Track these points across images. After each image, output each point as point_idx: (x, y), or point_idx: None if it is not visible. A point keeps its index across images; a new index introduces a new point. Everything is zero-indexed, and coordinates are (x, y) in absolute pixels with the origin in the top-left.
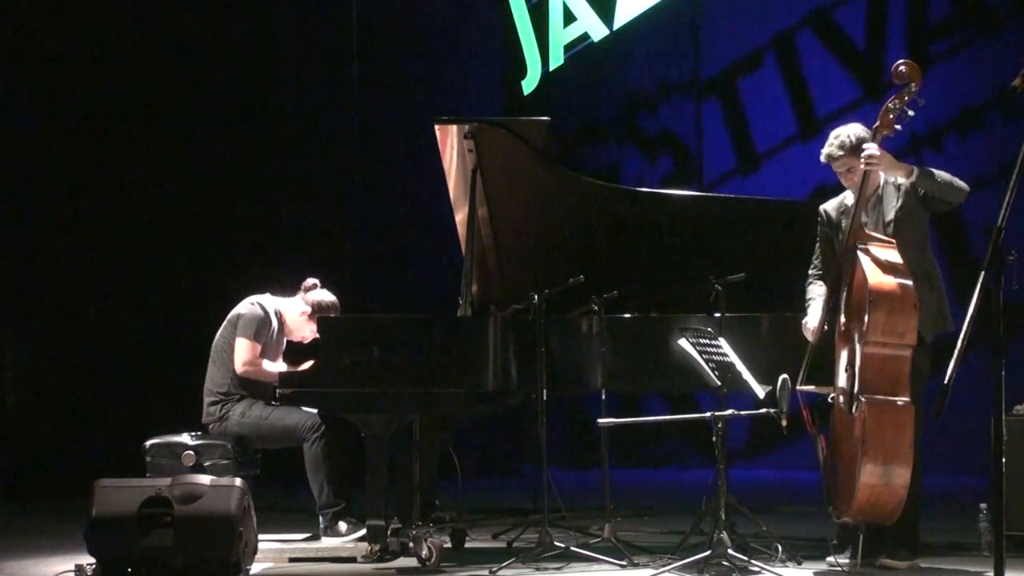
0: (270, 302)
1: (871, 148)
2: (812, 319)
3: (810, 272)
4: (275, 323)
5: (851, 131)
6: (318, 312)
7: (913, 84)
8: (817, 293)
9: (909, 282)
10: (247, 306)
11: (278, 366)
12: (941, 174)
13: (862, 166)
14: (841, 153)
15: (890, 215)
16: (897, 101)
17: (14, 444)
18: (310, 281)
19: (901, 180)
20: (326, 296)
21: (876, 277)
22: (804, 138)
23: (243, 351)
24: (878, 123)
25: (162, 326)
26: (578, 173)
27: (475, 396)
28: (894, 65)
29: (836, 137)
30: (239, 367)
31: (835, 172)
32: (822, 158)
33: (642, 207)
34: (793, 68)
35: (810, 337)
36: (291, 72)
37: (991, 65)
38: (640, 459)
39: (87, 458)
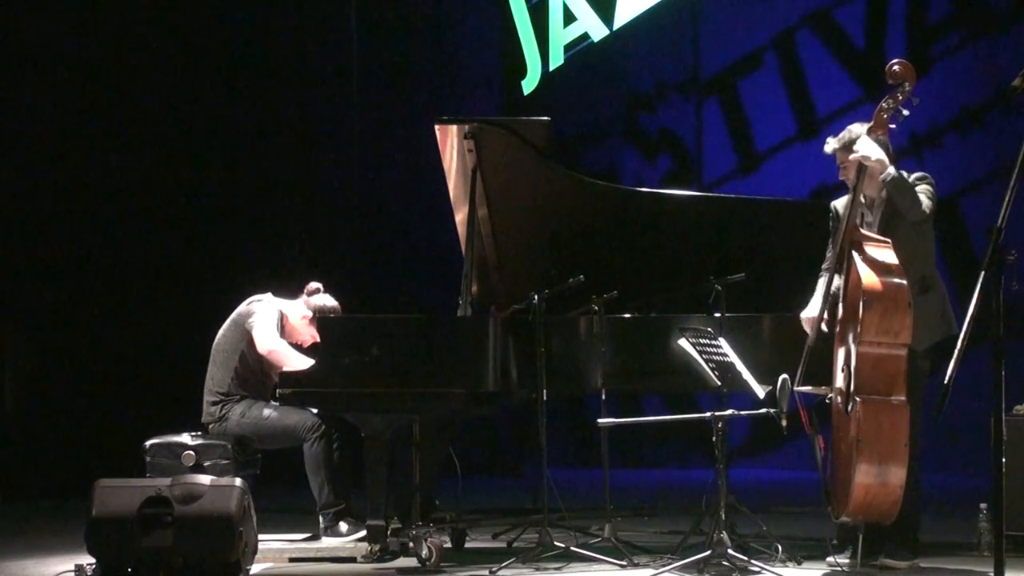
0: (272, 302)
1: (860, 144)
2: (808, 311)
3: (823, 266)
4: (279, 322)
5: (852, 129)
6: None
7: (907, 84)
8: (821, 285)
9: (903, 282)
10: (255, 303)
11: (302, 358)
12: (909, 190)
13: (852, 156)
14: (837, 147)
15: (887, 216)
16: (891, 101)
17: (14, 444)
18: (313, 285)
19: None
20: (328, 301)
21: (869, 277)
22: (804, 138)
23: (267, 332)
24: (872, 123)
25: (162, 326)
26: (578, 173)
27: (475, 396)
28: (888, 65)
29: (844, 131)
30: (264, 347)
31: (838, 165)
32: (834, 144)
33: (642, 207)
34: (793, 68)
35: (806, 327)
36: (291, 72)
37: (991, 65)
38: (640, 459)
39: (87, 458)
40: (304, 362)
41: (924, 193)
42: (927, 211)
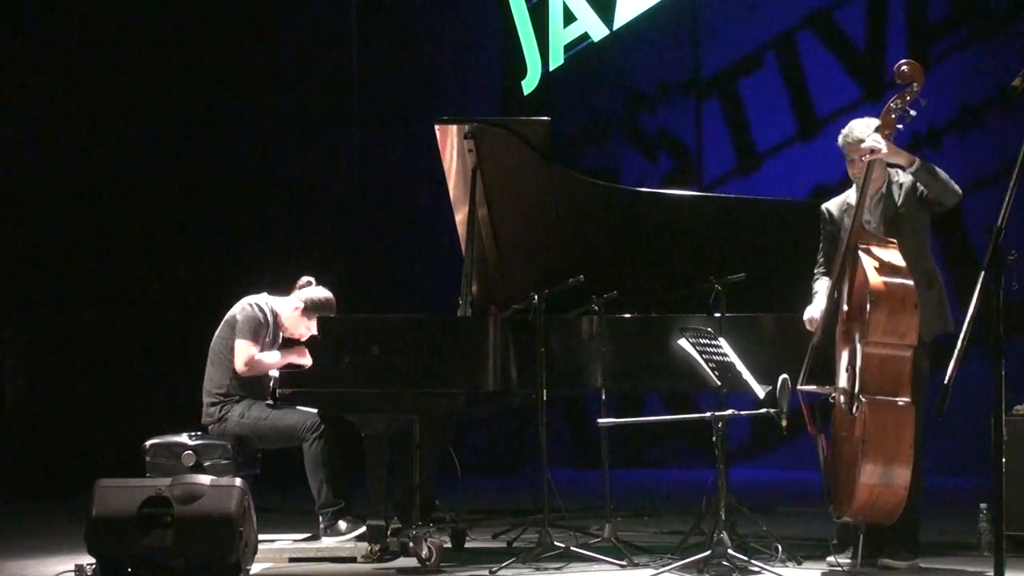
0: (266, 302)
1: (871, 140)
2: (813, 310)
3: (816, 270)
4: (271, 322)
5: (866, 122)
6: (313, 309)
7: (915, 84)
8: (822, 287)
9: (910, 282)
10: (242, 307)
11: (272, 355)
12: (941, 173)
13: (866, 157)
14: (862, 138)
15: (891, 214)
16: (899, 101)
17: (14, 444)
18: (304, 279)
19: (903, 179)
20: (320, 292)
21: (877, 277)
22: (804, 138)
23: (242, 352)
24: (880, 123)
25: (162, 326)
26: (578, 173)
27: (475, 396)
28: (896, 65)
29: (859, 123)
30: (240, 368)
31: (847, 159)
32: (839, 139)
33: (642, 207)
34: (793, 68)
35: (810, 328)
36: (291, 72)
37: (991, 65)
38: (640, 459)
39: (87, 458)
40: (281, 360)
41: None
42: (958, 189)
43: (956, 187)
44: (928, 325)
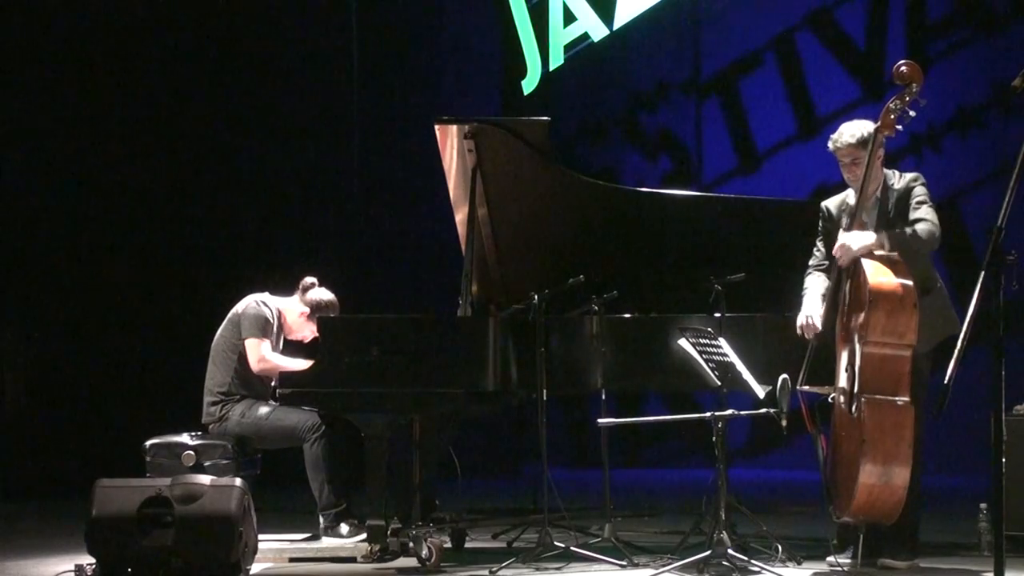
0: (270, 301)
1: (840, 243)
2: (805, 315)
3: (810, 263)
4: (275, 322)
5: (864, 126)
6: (317, 311)
7: (914, 84)
8: (812, 283)
9: (909, 282)
10: (248, 305)
11: (292, 361)
12: (912, 236)
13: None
14: (851, 141)
15: (885, 218)
16: (898, 101)
17: (14, 444)
18: (308, 280)
19: (898, 184)
20: (324, 295)
21: (876, 277)
22: (804, 138)
23: (253, 350)
24: (879, 123)
25: (162, 326)
26: (578, 173)
27: (475, 396)
28: (895, 65)
29: (849, 126)
30: (255, 367)
31: (840, 163)
32: (829, 144)
33: (642, 207)
34: (793, 68)
35: (803, 334)
36: (291, 72)
37: (991, 65)
38: (640, 459)
39: (87, 458)
40: (298, 365)
41: (924, 203)
42: (936, 232)
43: (932, 240)
44: (926, 333)
